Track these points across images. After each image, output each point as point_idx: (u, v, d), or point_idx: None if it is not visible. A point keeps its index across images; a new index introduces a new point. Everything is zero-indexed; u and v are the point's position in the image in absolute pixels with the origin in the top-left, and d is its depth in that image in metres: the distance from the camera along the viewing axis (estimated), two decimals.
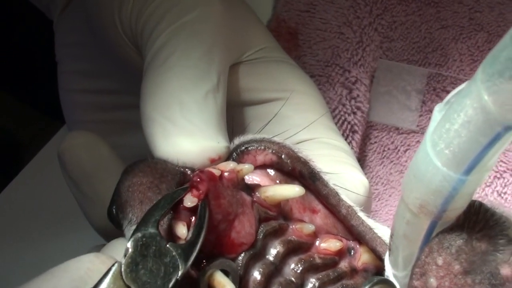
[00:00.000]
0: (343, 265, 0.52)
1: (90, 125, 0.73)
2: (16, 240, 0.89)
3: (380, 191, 0.80)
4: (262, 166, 0.52)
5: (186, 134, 0.50)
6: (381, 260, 0.51)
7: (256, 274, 0.48)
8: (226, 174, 0.47)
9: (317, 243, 0.51)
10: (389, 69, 0.81)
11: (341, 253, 0.52)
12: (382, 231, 0.52)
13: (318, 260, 0.50)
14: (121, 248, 0.42)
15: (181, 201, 0.45)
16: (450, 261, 0.38)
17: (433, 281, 0.38)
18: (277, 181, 0.52)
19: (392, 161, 0.81)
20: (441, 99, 0.79)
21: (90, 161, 0.56)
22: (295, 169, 0.51)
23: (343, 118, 0.76)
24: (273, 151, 0.51)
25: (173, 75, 0.53)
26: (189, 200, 0.44)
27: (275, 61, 0.65)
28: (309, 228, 0.51)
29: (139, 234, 0.42)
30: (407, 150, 0.81)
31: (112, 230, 0.51)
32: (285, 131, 0.58)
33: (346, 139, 0.75)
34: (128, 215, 0.47)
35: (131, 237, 0.42)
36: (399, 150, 0.81)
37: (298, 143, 0.60)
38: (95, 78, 0.72)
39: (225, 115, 0.54)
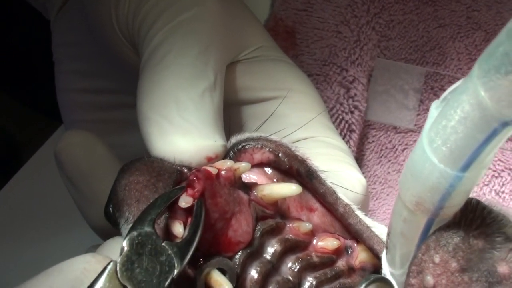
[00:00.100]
0: (341, 263, 0.52)
1: (87, 124, 0.73)
2: (14, 239, 0.89)
3: (378, 190, 0.80)
4: (259, 165, 0.52)
5: (182, 132, 0.50)
6: (378, 258, 0.51)
7: (253, 273, 0.47)
8: (223, 172, 0.47)
9: (314, 241, 0.51)
10: (386, 68, 0.81)
11: (339, 252, 0.52)
12: (379, 229, 0.52)
13: (315, 259, 0.50)
14: (118, 247, 0.42)
15: (178, 200, 0.45)
16: (447, 259, 0.38)
17: (430, 279, 0.38)
18: (274, 180, 0.51)
19: (389, 160, 0.81)
20: (439, 98, 0.79)
21: (86, 160, 0.56)
22: (292, 168, 0.51)
23: (340, 117, 0.76)
24: (270, 150, 0.51)
25: (169, 74, 0.53)
26: (184, 201, 0.44)
27: (272, 60, 0.65)
28: (306, 226, 0.50)
29: (134, 233, 0.42)
30: (404, 149, 0.81)
31: (109, 229, 0.51)
32: (282, 130, 0.58)
33: (343, 138, 0.75)
34: (124, 213, 0.47)
35: (126, 235, 0.41)
36: (396, 149, 0.81)
37: (295, 141, 0.60)
38: (92, 77, 0.72)
39: (222, 113, 0.54)
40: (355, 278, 0.52)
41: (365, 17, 0.81)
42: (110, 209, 0.48)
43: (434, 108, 0.35)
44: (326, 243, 0.51)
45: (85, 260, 0.43)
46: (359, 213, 0.52)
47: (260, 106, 0.62)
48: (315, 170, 0.52)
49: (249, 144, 0.51)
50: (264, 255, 0.49)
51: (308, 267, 0.50)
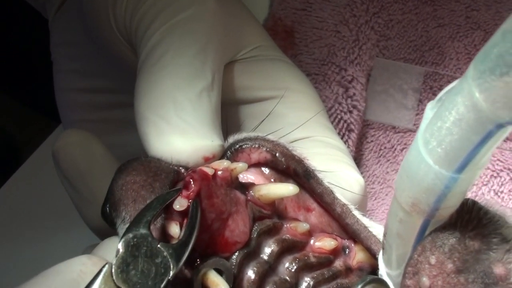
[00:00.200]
0: (338, 264, 0.52)
1: (86, 124, 0.73)
2: (12, 239, 0.89)
3: (377, 190, 0.80)
4: (257, 165, 0.52)
5: (180, 132, 0.50)
6: (376, 258, 0.50)
7: (250, 273, 0.47)
8: (219, 172, 0.47)
9: (311, 242, 0.51)
10: (385, 67, 0.81)
11: (336, 252, 0.52)
12: (377, 229, 0.52)
13: (312, 259, 0.50)
14: (114, 247, 0.42)
15: (174, 201, 0.45)
16: (443, 260, 0.38)
17: (425, 280, 0.38)
18: (272, 180, 0.51)
19: (388, 160, 0.81)
20: None
21: (84, 159, 0.56)
22: (290, 167, 0.51)
23: (339, 116, 0.76)
24: (267, 149, 0.51)
25: (167, 74, 0.53)
26: (179, 203, 0.44)
27: (270, 59, 0.65)
28: (303, 226, 0.50)
29: (130, 235, 0.42)
30: (403, 149, 0.81)
31: (107, 229, 0.51)
32: (280, 129, 0.58)
33: (342, 138, 0.75)
34: (121, 213, 0.47)
35: (121, 238, 0.41)
36: (395, 149, 0.81)
37: (293, 141, 0.60)
38: (90, 77, 0.72)
39: (219, 113, 0.54)
40: (352, 278, 0.52)
41: (364, 17, 0.81)
42: (107, 209, 0.48)
43: (429, 109, 0.34)
44: (324, 243, 0.51)
45: (81, 262, 0.43)
46: (356, 213, 0.52)
47: (258, 106, 0.62)
48: (312, 170, 0.52)
49: (246, 144, 0.51)
50: (261, 256, 0.49)
51: (306, 267, 0.50)
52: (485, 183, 0.76)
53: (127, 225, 0.44)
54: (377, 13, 0.82)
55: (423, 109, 0.80)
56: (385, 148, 0.81)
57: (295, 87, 0.63)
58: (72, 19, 0.72)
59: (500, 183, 0.75)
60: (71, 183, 0.57)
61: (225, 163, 0.48)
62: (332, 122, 0.73)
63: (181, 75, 0.53)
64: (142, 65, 0.55)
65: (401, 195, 0.37)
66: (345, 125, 0.76)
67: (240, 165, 0.48)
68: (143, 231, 0.42)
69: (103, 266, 0.40)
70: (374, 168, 0.81)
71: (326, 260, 0.51)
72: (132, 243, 0.41)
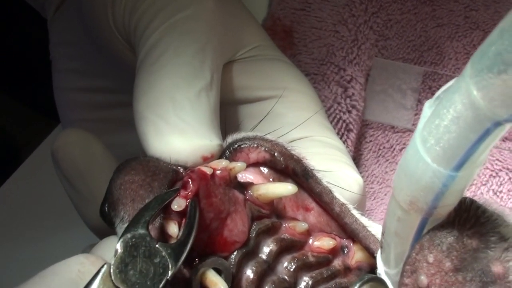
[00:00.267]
0: (337, 263, 0.52)
1: (85, 123, 0.73)
2: (12, 238, 0.89)
3: (376, 190, 0.80)
4: (255, 164, 0.52)
5: (178, 132, 0.50)
6: (375, 258, 0.50)
7: (249, 273, 0.47)
8: (218, 172, 0.47)
9: (310, 241, 0.51)
10: (384, 67, 0.81)
11: (335, 251, 0.52)
12: (375, 229, 0.52)
13: (311, 259, 0.50)
14: (113, 247, 0.42)
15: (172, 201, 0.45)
16: (441, 259, 0.38)
17: (423, 278, 0.38)
18: (270, 179, 0.51)
19: (387, 160, 0.81)
20: None
21: (83, 158, 0.56)
22: (288, 167, 0.51)
23: (338, 116, 0.76)
24: (266, 149, 0.51)
25: (166, 73, 0.53)
26: (177, 203, 0.44)
27: (269, 59, 0.65)
28: (302, 226, 0.50)
29: (128, 235, 0.41)
30: (402, 148, 0.81)
31: (105, 228, 0.51)
32: (279, 129, 0.58)
33: (341, 138, 0.75)
34: (120, 213, 0.47)
35: (120, 238, 0.41)
36: (394, 149, 0.81)
37: (292, 141, 0.60)
38: (90, 76, 0.72)
39: (218, 113, 0.54)
40: (351, 277, 0.52)
41: (363, 17, 0.81)
42: (106, 208, 0.48)
43: (427, 107, 0.34)
44: (322, 242, 0.51)
45: (79, 262, 0.43)
46: (355, 212, 0.52)
47: (256, 106, 0.62)
48: (311, 169, 0.52)
49: (245, 144, 0.51)
50: (260, 255, 0.49)
51: (304, 266, 0.50)
52: (484, 182, 0.76)
53: (125, 225, 0.44)
54: (376, 13, 0.82)
55: (422, 109, 0.80)
56: (384, 148, 0.81)
57: (294, 87, 0.63)
58: (71, 18, 0.72)
59: (499, 183, 0.75)
60: (70, 183, 0.57)
61: (223, 163, 0.48)
62: (331, 122, 0.73)
63: (180, 74, 0.52)
64: (141, 65, 0.55)
65: (399, 193, 0.37)
66: (344, 124, 0.76)
67: (238, 165, 0.48)
68: (141, 231, 0.42)
69: (102, 267, 0.40)
70: (373, 167, 0.81)
71: (324, 259, 0.51)
72: (130, 243, 0.41)
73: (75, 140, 0.57)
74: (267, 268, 0.48)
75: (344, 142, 0.75)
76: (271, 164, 0.51)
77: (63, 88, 0.74)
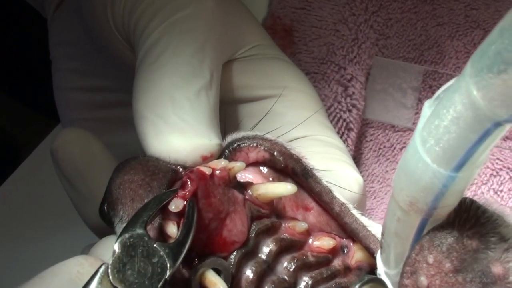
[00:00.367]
0: (337, 263, 0.52)
1: (85, 123, 0.73)
2: (11, 238, 0.89)
3: (376, 189, 0.80)
4: (255, 164, 0.52)
5: (178, 131, 0.50)
6: (375, 257, 0.50)
7: (249, 273, 0.47)
8: (217, 172, 0.47)
9: (310, 241, 0.51)
10: (384, 66, 0.81)
11: (335, 251, 0.52)
12: (375, 228, 0.51)
13: (311, 258, 0.50)
14: (112, 246, 0.42)
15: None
16: (440, 259, 0.38)
17: (423, 279, 0.38)
18: (270, 179, 0.51)
19: (388, 159, 0.81)
20: None
21: (83, 158, 0.56)
22: (288, 166, 0.51)
23: (338, 115, 0.76)
24: (265, 148, 0.51)
25: (165, 73, 0.52)
26: (175, 204, 0.44)
27: (269, 58, 0.65)
28: (302, 226, 0.50)
29: (126, 235, 0.41)
30: (403, 148, 0.80)
31: (105, 228, 0.51)
32: (279, 128, 0.58)
33: (341, 137, 0.75)
34: (119, 212, 0.47)
35: (118, 238, 0.41)
36: (395, 148, 0.81)
37: (292, 140, 0.60)
38: (89, 76, 0.72)
39: (218, 112, 0.54)
40: (351, 277, 0.52)
41: (363, 16, 0.81)
42: (105, 208, 0.48)
43: (427, 107, 0.34)
44: (322, 242, 0.51)
45: (78, 263, 0.43)
46: (355, 212, 0.52)
47: (256, 105, 0.62)
48: (310, 169, 0.52)
49: (244, 143, 0.51)
50: (260, 255, 0.49)
51: (304, 266, 0.50)
52: (484, 182, 0.75)
53: (124, 225, 0.44)
54: (376, 12, 0.82)
55: (422, 108, 0.80)
56: (384, 147, 0.81)
57: (294, 86, 0.63)
58: (71, 18, 0.72)
59: (499, 182, 0.75)
60: (69, 182, 0.57)
61: (222, 163, 0.48)
62: (331, 121, 0.73)
63: (179, 74, 0.52)
64: (140, 64, 0.55)
65: (399, 193, 0.37)
66: (344, 124, 0.76)
67: (238, 165, 0.48)
68: (139, 231, 0.42)
69: (100, 267, 0.40)
70: (374, 167, 0.81)
71: (324, 259, 0.51)
72: (128, 243, 0.41)
73: (75, 139, 0.57)
74: (267, 268, 0.48)
75: (345, 141, 0.75)
76: (271, 164, 0.51)
77: (63, 88, 0.74)
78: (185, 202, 0.44)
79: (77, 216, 0.59)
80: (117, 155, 0.58)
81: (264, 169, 0.52)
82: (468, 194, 0.75)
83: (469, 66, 0.30)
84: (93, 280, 0.40)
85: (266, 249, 0.49)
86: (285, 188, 0.49)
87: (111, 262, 0.40)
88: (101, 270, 0.40)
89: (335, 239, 0.51)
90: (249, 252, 0.48)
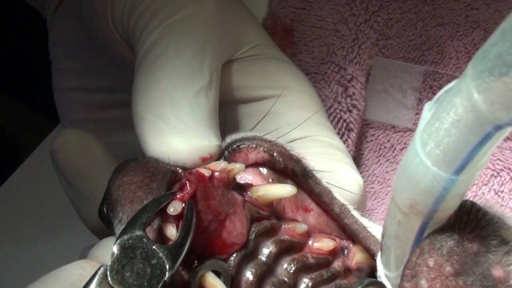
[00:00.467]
0: (337, 264, 0.51)
1: (85, 123, 0.73)
2: (11, 238, 0.89)
3: (377, 190, 0.80)
4: (254, 165, 0.51)
5: (177, 132, 0.50)
6: (375, 259, 0.50)
7: (249, 275, 0.47)
8: (216, 174, 0.47)
9: (310, 242, 0.51)
10: (385, 66, 0.81)
11: (335, 253, 0.51)
12: (376, 230, 0.51)
13: (311, 260, 0.50)
14: (111, 247, 0.42)
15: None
16: (441, 263, 0.37)
17: (424, 283, 0.38)
18: (270, 180, 0.51)
19: (388, 160, 0.81)
20: None
21: (82, 158, 0.56)
22: (288, 167, 0.51)
23: (338, 116, 0.76)
24: (265, 149, 0.51)
25: (164, 74, 0.52)
26: (173, 207, 0.44)
27: (269, 58, 0.64)
28: (301, 227, 0.50)
29: (125, 237, 0.41)
30: (403, 148, 0.80)
31: (104, 229, 0.51)
32: (279, 129, 0.57)
33: (341, 137, 0.75)
34: (118, 214, 0.47)
35: (116, 240, 0.41)
36: (395, 149, 0.81)
37: (292, 141, 0.60)
38: (89, 76, 0.72)
39: (217, 113, 0.54)
40: (351, 279, 0.51)
41: (363, 16, 0.80)
42: (104, 209, 0.48)
43: (427, 110, 0.34)
44: (322, 244, 0.51)
45: (80, 266, 0.43)
46: (355, 213, 0.52)
47: (256, 105, 0.62)
48: (310, 169, 0.52)
49: (243, 144, 0.51)
50: (259, 257, 0.48)
51: (304, 268, 0.50)
52: (485, 182, 0.75)
53: (123, 226, 0.44)
54: (376, 12, 0.81)
55: (422, 109, 0.80)
56: (384, 147, 0.81)
57: (294, 86, 0.63)
58: (71, 18, 0.71)
59: (500, 183, 0.75)
60: (69, 182, 0.57)
61: (222, 164, 0.48)
62: (331, 122, 0.73)
63: (179, 74, 0.52)
64: (139, 65, 0.54)
65: (399, 196, 0.36)
66: (345, 124, 0.76)
67: (237, 166, 0.48)
68: (138, 232, 0.41)
69: (98, 269, 0.40)
70: (374, 167, 0.80)
71: (324, 261, 0.51)
72: (127, 245, 0.41)
73: (74, 140, 0.57)
74: (267, 270, 0.48)
75: (345, 141, 0.75)
76: (270, 165, 0.51)
77: (63, 88, 0.74)
78: (183, 204, 0.44)
79: (77, 216, 0.58)
80: (117, 156, 0.58)
81: (264, 170, 0.52)
82: (469, 194, 0.75)
83: (470, 69, 0.30)
84: (92, 282, 0.39)
85: (266, 251, 0.49)
86: (284, 190, 0.49)
87: (109, 263, 0.40)
88: (99, 272, 0.40)
89: (335, 240, 0.51)
90: (249, 254, 0.48)
